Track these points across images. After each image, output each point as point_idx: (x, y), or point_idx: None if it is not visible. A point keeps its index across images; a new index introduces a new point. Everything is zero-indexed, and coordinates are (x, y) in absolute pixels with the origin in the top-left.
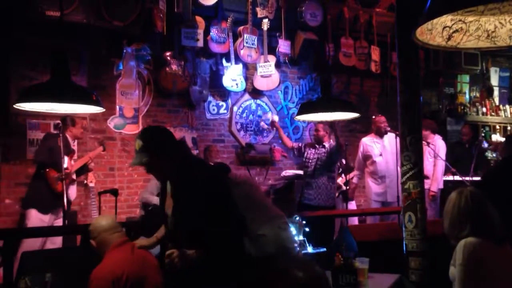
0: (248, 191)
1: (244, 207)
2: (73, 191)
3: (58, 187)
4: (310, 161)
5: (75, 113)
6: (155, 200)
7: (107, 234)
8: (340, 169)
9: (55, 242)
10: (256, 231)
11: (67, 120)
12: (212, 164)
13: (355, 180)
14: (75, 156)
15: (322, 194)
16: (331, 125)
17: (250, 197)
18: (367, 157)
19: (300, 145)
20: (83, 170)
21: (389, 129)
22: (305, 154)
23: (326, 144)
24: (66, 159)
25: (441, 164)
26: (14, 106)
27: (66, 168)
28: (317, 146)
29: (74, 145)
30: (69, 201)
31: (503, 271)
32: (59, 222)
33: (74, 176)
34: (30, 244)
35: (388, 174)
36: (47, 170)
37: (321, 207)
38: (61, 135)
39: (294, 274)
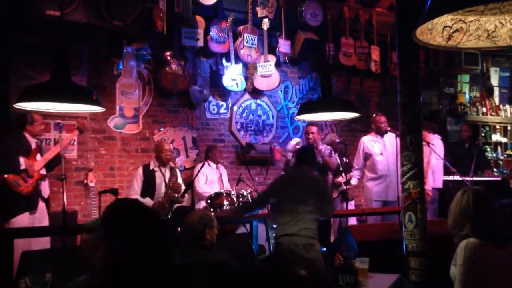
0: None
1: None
2: (45, 188)
3: (22, 189)
4: None
5: (38, 110)
6: (148, 202)
7: None
8: (341, 168)
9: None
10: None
11: (25, 118)
12: None
13: (354, 182)
14: (61, 147)
15: None
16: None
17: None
18: (367, 155)
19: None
20: (55, 163)
21: (389, 128)
22: None
23: (321, 147)
24: (22, 160)
25: (436, 164)
26: (14, 106)
27: (25, 170)
28: None
29: (65, 143)
30: (45, 200)
31: (505, 272)
32: (44, 222)
33: (44, 172)
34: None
35: (389, 173)
36: (5, 176)
37: None
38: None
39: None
